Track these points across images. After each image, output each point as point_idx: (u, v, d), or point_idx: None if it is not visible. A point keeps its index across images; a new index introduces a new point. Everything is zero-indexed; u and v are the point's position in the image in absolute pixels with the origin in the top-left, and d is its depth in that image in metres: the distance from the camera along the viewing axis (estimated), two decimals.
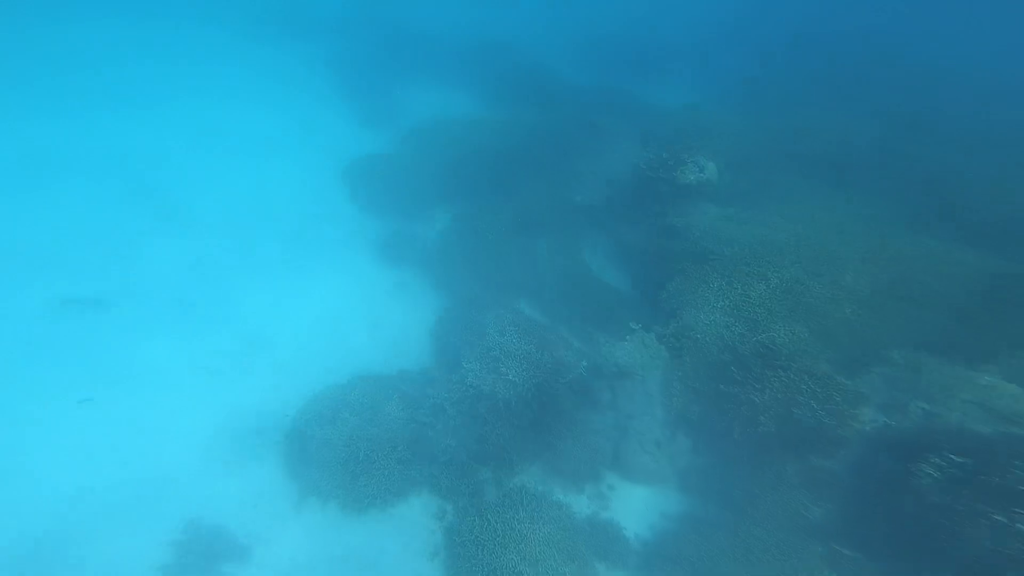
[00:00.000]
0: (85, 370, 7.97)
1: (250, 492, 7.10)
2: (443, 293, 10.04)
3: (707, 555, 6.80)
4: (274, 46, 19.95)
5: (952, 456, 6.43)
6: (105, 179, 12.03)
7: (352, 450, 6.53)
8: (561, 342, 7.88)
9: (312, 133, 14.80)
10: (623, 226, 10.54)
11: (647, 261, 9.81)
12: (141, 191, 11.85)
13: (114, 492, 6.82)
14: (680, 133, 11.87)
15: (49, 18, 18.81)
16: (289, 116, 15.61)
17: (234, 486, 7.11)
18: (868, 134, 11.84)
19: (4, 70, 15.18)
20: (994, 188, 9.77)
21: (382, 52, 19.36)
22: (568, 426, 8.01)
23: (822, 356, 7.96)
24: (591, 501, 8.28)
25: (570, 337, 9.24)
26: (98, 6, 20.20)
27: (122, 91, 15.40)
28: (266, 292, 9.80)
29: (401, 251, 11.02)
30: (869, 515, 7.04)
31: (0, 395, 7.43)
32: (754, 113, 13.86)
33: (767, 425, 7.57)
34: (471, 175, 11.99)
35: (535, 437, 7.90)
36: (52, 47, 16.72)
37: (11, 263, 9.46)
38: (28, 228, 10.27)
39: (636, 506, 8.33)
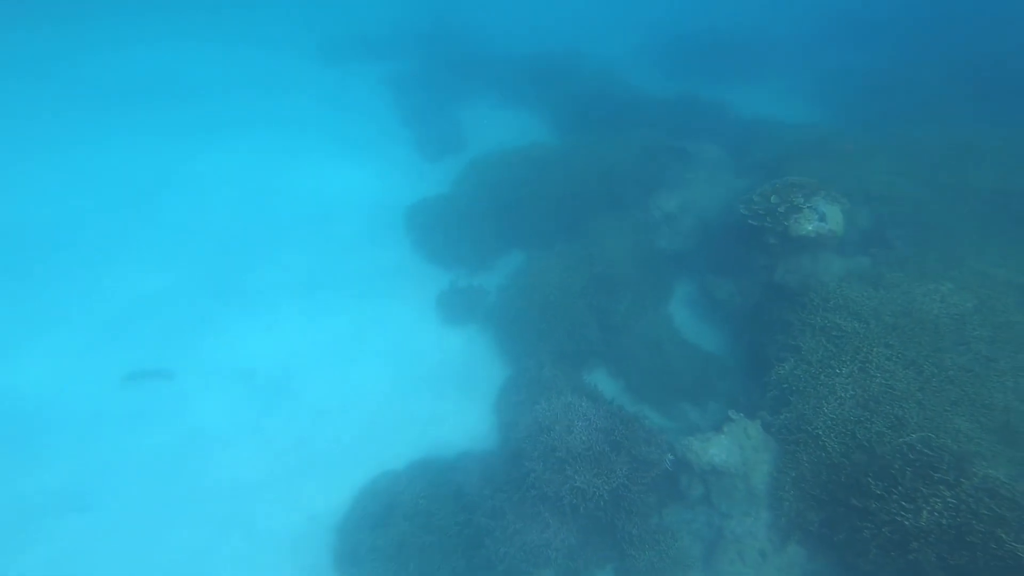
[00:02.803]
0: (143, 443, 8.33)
1: None
2: (507, 360, 9.34)
3: None
4: (336, 68, 20.71)
5: None
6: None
7: (403, 561, 6.06)
8: (641, 433, 6.82)
9: (376, 171, 14.77)
10: (720, 280, 9.15)
11: (751, 327, 8.37)
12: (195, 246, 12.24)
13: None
14: (788, 158, 10.13)
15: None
16: (353, 149, 15.78)
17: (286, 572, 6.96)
18: None
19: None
20: None
21: (444, 72, 19.16)
22: (648, 530, 6.93)
23: (1004, 458, 6.13)
24: None
25: (653, 415, 8.12)
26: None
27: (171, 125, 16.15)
28: (331, 359, 9.77)
29: (465, 308, 10.61)
30: None
31: None
32: (892, 128, 11.47)
33: (924, 553, 5.93)
34: (539, 218, 11.26)
35: (608, 542, 6.93)
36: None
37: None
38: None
39: None
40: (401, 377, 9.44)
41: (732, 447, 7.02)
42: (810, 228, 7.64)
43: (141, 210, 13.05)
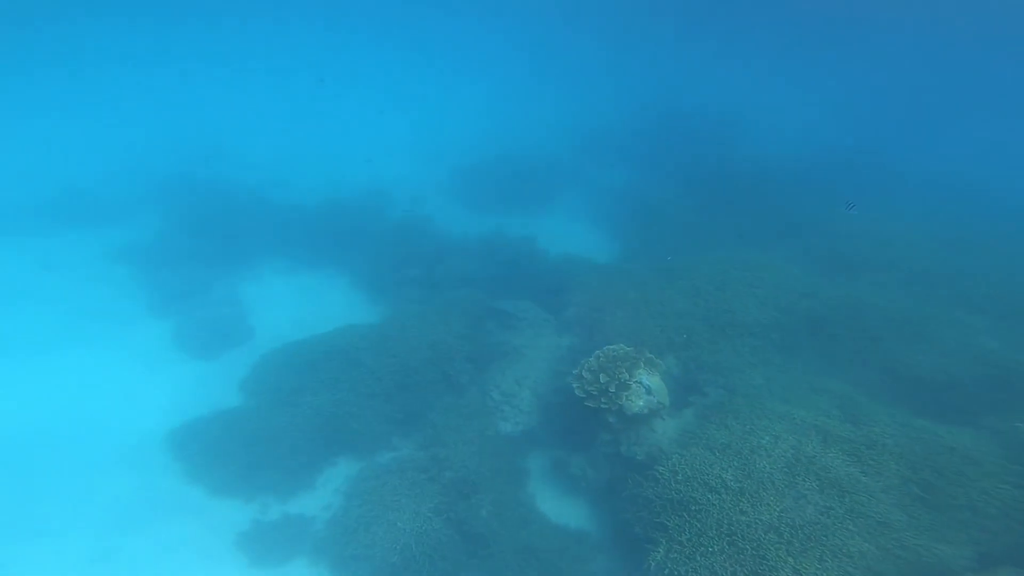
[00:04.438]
0: None
1: None
2: None
3: None
4: (40, 246, 15.28)
5: None
6: None
7: None
8: None
9: (119, 384, 11.09)
10: (571, 455, 8.73)
11: (612, 502, 7.98)
12: None
13: None
14: (598, 310, 10.76)
15: None
16: (75, 355, 11.71)
17: None
18: (801, 281, 11.49)
19: None
20: (927, 338, 9.57)
21: (208, 235, 15.50)
22: None
23: None
24: None
25: None
26: None
27: None
28: None
29: (283, 544, 8.30)
30: None
31: None
32: (658, 252, 13.33)
33: None
34: (367, 417, 9.65)
35: None
36: None
37: None
38: None
39: None
40: None
41: None
42: (641, 404, 7.76)
43: None
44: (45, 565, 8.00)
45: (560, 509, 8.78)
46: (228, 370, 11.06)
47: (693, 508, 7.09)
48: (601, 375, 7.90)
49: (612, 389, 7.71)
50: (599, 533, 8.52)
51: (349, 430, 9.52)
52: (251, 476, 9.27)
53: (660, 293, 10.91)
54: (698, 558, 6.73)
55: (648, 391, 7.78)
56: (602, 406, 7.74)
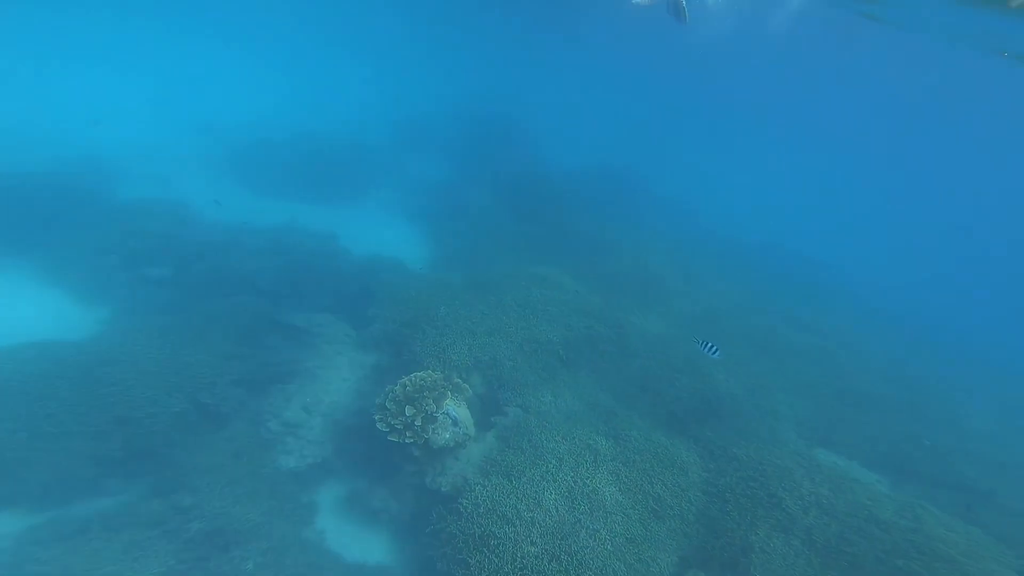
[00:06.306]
0: None
1: None
2: None
3: None
4: None
5: None
6: None
7: None
8: None
9: None
10: (372, 486, 7.85)
11: (417, 537, 7.46)
12: None
13: None
14: (407, 325, 10.02)
15: None
16: None
17: None
18: (582, 298, 12.56)
19: None
20: (667, 356, 11.59)
21: None
22: None
23: None
24: None
25: None
26: None
27: None
28: None
29: None
30: None
31: None
32: (466, 259, 12.95)
33: None
34: (42, 464, 6.77)
35: None
36: None
37: None
38: None
39: None
40: None
41: None
42: (448, 436, 7.47)
43: None
44: None
45: (358, 547, 7.91)
46: None
47: (492, 543, 7.14)
48: (407, 407, 7.28)
49: (418, 423, 7.18)
50: (402, 571, 7.94)
51: (16, 479, 6.55)
52: None
53: (470, 308, 10.82)
54: None
55: (455, 422, 7.54)
56: (407, 441, 7.14)
